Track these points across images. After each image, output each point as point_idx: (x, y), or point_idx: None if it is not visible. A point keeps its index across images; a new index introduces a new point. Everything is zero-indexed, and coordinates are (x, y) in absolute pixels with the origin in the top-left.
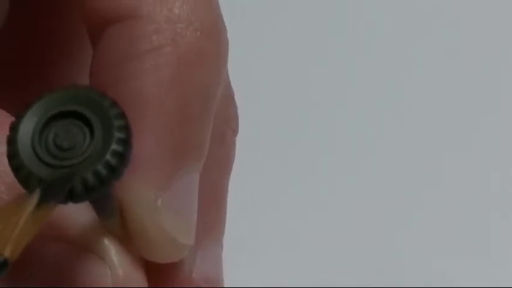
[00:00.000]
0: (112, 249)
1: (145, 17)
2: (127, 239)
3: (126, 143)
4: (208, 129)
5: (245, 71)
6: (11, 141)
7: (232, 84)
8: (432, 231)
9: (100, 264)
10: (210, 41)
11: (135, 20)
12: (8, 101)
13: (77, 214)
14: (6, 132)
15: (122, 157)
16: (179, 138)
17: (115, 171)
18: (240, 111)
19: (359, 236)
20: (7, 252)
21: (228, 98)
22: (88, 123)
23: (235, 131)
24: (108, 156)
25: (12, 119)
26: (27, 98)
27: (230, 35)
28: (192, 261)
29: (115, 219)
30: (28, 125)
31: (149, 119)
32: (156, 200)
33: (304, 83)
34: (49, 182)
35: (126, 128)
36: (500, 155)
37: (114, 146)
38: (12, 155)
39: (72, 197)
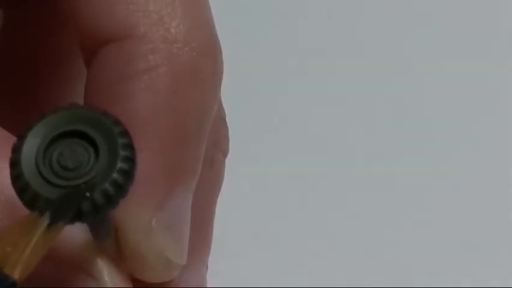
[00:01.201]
0: (105, 269)
1: (142, 36)
2: (119, 257)
3: (131, 160)
4: (202, 148)
5: (237, 91)
6: (15, 162)
7: (224, 104)
8: (430, 231)
9: (93, 284)
10: (206, 62)
11: (131, 39)
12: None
13: (71, 234)
14: (5, 149)
15: (129, 175)
16: (174, 157)
17: (122, 189)
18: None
19: (355, 235)
20: (16, 275)
21: (219, 120)
22: (91, 142)
23: (225, 153)
24: (115, 175)
25: (9, 135)
26: (20, 115)
27: (225, 54)
28: (178, 280)
29: (109, 239)
30: (31, 146)
31: (144, 139)
32: (151, 219)
33: (298, 104)
34: (58, 202)
35: (130, 146)
36: (500, 155)
37: (120, 164)
38: (17, 176)
39: (80, 216)
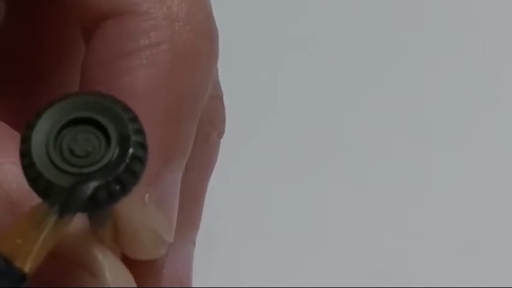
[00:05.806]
0: (106, 265)
1: (144, 13)
2: (114, 239)
3: (143, 146)
4: (194, 127)
5: (236, 72)
6: (26, 152)
7: (222, 85)
8: (429, 231)
9: (93, 281)
10: (205, 42)
11: (133, 15)
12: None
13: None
14: (5, 144)
15: (142, 161)
16: (168, 135)
17: (136, 175)
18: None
19: (355, 235)
20: (27, 268)
21: (216, 99)
22: (100, 128)
23: (220, 133)
24: (129, 161)
25: (9, 129)
26: (24, 106)
27: (221, 35)
28: (164, 256)
29: (107, 225)
30: (41, 134)
31: (140, 115)
32: (144, 195)
33: (295, 84)
34: (68, 192)
35: (141, 131)
36: (499, 155)
37: (133, 150)
38: (29, 166)
39: (95, 205)
